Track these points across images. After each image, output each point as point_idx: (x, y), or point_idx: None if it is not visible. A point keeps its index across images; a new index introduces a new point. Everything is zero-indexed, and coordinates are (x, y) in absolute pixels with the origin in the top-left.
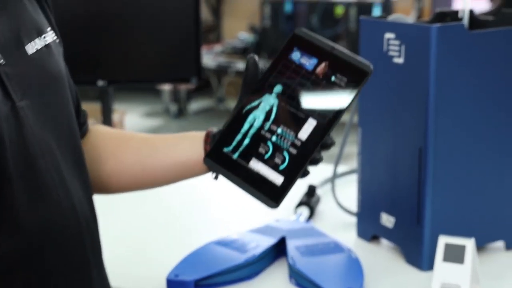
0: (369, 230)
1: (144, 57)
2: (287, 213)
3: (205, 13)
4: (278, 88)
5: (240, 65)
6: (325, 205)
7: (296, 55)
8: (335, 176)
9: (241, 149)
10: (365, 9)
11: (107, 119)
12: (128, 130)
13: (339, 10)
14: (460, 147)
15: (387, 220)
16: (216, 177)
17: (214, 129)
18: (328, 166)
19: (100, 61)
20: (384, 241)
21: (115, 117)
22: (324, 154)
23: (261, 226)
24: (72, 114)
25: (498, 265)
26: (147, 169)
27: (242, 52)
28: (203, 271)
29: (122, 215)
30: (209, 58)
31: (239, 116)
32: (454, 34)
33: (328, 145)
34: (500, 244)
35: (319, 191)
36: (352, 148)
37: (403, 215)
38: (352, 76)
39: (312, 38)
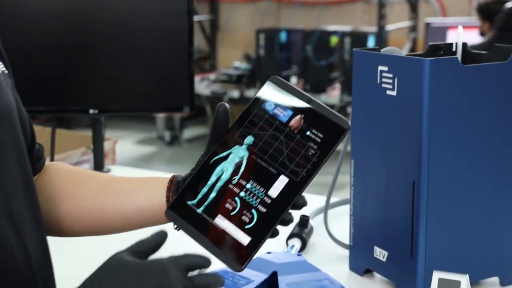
0: (362, 263)
1: (136, 86)
2: (279, 245)
3: (200, 42)
4: (249, 140)
5: (235, 93)
6: (318, 236)
7: (270, 105)
8: (327, 206)
9: (206, 203)
10: (360, 39)
11: (98, 148)
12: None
13: (334, 40)
14: (454, 180)
15: (380, 253)
16: (178, 229)
17: (181, 174)
18: (321, 196)
19: (92, 90)
20: (377, 275)
21: (107, 145)
22: (318, 183)
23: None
24: (23, 150)
25: None
26: (106, 214)
27: (236, 80)
28: None
29: (107, 244)
30: (204, 86)
31: (206, 167)
32: (447, 67)
33: (299, 205)
34: (495, 280)
35: (311, 222)
36: (346, 178)
37: (396, 249)
38: (329, 132)
39: (288, 88)
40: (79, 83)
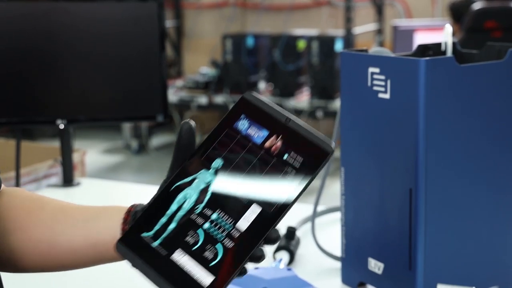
0: (355, 276)
1: (106, 94)
2: (266, 259)
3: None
4: (217, 163)
5: (203, 99)
6: (306, 247)
7: (243, 124)
8: (315, 216)
9: (164, 235)
10: (327, 43)
11: (67, 160)
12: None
13: (301, 44)
14: (453, 186)
15: (376, 266)
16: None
17: (141, 204)
18: (307, 205)
19: (59, 99)
20: None
21: (75, 157)
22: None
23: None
24: None
25: None
26: (55, 248)
27: (204, 86)
28: None
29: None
30: (171, 93)
31: (167, 194)
32: (443, 68)
33: (273, 240)
34: None
35: (297, 232)
36: (329, 182)
37: (393, 261)
38: (309, 155)
39: (264, 105)
40: (45, 92)
